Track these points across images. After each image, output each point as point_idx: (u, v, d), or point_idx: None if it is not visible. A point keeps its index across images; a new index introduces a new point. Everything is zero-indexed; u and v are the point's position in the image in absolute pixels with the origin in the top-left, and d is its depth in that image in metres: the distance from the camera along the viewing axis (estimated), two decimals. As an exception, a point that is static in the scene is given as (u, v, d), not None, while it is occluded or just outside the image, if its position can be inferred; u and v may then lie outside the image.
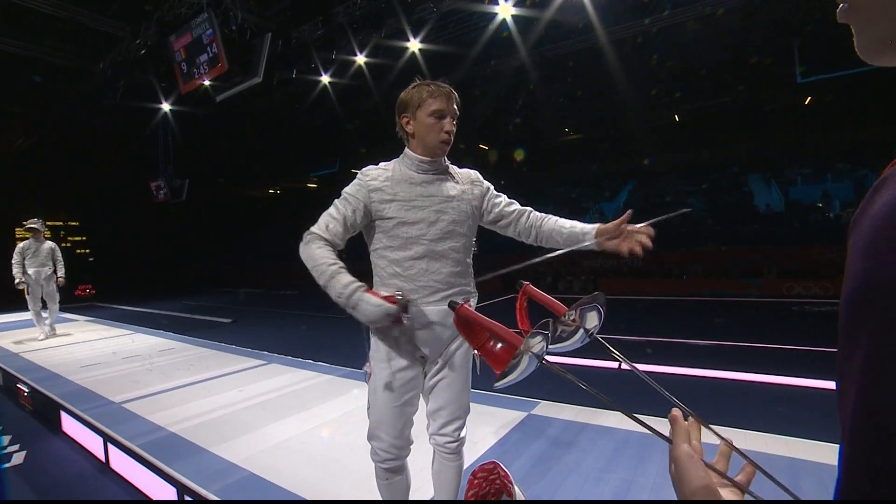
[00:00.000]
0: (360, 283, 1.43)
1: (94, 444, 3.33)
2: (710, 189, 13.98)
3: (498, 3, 8.31)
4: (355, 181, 1.57)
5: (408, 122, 1.56)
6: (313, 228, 1.53)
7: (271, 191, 20.88)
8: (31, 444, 3.59)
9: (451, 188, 1.59)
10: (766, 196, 12.95)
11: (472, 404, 3.19)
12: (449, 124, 1.52)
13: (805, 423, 3.01)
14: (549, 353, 0.98)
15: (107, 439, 3.16)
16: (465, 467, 2.33)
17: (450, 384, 1.61)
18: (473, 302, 1.62)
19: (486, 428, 2.83)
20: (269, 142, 16.15)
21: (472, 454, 2.47)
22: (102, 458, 3.19)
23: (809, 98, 12.11)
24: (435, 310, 1.54)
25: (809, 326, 6.71)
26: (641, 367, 0.97)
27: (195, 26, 5.62)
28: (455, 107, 1.54)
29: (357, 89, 11.94)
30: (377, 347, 1.61)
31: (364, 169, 1.59)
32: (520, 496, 1.69)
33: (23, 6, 7.35)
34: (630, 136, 14.18)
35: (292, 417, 3.21)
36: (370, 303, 1.37)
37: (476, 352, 1.18)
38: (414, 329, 1.55)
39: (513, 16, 8.68)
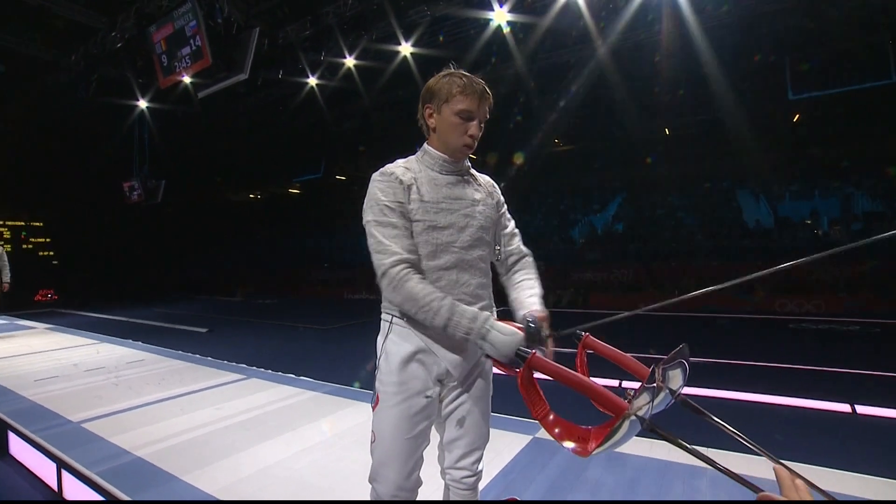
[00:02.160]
0: (483, 316, 1.25)
1: (45, 470, 2.95)
2: (701, 203, 14.04)
3: (493, 10, 8.19)
4: (381, 183, 1.34)
5: (431, 115, 1.39)
6: (389, 258, 1.27)
7: (252, 195, 20.36)
8: (-27, 470, 3.18)
9: (475, 191, 1.45)
10: (755, 211, 13.03)
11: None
12: (475, 128, 1.36)
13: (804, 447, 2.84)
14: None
15: (60, 465, 2.80)
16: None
17: (470, 410, 1.42)
18: (494, 314, 1.42)
19: (489, 453, 2.55)
20: (252, 144, 15.75)
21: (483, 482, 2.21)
22: (55, 486, 2.82)
23: (798, 115, 12.28)
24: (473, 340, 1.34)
25: (811, 345, 6.63)
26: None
27: (178, 17, 5.31)
28: (486, 109, 1.37)
29: (345, 92, 11.68)
30: (388, 366, 1.37)
31: (383, 169, 1.38)
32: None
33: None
34: (621, 148, 14.20)
35: (276, 439, 2.90)
36: (503, 331, 1.21)
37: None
38: (440, 344, 1.34)
39: (508, 22, 8.57)
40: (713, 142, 12.59)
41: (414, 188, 1.35)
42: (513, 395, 3.79)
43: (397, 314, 1.37)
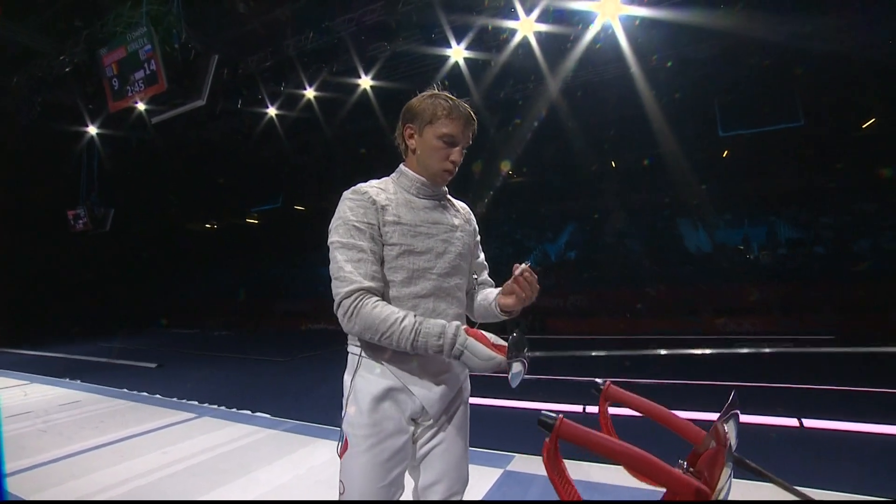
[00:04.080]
0: (457, 325, 1.15)
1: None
2: (646, 232, 14.80)
3: (451, 46, 8.48)
4: (351, 202, 1.25)
5: (411, 136, 1.33)
6: (345, 287, 1.17)
7: (208, 225, 19.62)
8: None
9: (453, 217, 1.40)
10: (695, 238, 13.91)
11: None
12: (458, 154, 1.31)
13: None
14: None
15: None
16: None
17: (448, 450, 1.30)
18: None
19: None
20: (210, 173, 15.29)
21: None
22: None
23: (727, 151, 13.30)
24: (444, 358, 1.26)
25: (749, 363, 6.96)
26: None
27: (131, 40, 5.15)
28: (470, 135, 1.33)
29: (305, 123, 11.65)
30: (357, 406, 1.24)
31: (355, 187, 1.29)
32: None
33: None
34: (572, 180, 14.80)
35: (230, 485, 2.72)
36: (479, 356, 1.11)
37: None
38: (414, 379, 1.25)
39: (465, 59, 8.88)
40: (656, 174, 13.39)
41: (389, 209, 1.26)
42: (480, 425, 3.72)
43: (367, 348, 1.26)
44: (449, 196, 1.45)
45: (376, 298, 1.18)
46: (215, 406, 4.55)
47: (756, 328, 9.45)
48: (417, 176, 1.33)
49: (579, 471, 2.70)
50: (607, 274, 13.14)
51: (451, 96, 1.32)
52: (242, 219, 19.01)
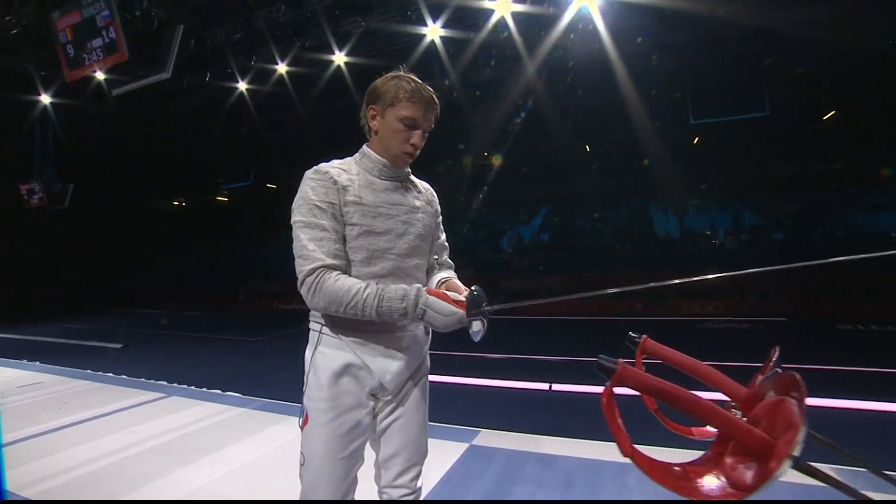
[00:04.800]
0: (418, 287, 1.20)
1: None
2: (617, 216, 15.13)
3: (426, 25, 8.35)
4: (313, 181, 1.27)
5: (374, 117, 1.34)
6: (308, 265, 1.21)
7: (176, 202, 19.00)
8: None
9: (415, 198, 1.42)
10: (664, 224, 14.30)
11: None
12: (418, 137, 1.32)
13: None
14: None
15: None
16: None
17: (407, 424, 1.35)
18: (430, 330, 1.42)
19: (427, 462, 2.58)
20: (178, 149, 14.73)
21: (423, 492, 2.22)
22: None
23: (697, 138, 13.62)
24: (402, 335, 1.32)
25: (713, 342, 7.29)
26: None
27: (86, 4, 4.86)
28: (432, 118, 1.34)
29: (277, 98, 11.31)
30: (317, 381, 1.28)
31: (317, 167, 1.30)
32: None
33: None
34: (546, 163, 14.92)
35: (199, 462, 2.73)
36: (441, 312, 1.16)
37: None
38: (373, 355, 1.29)
39: (441, 37, 8.77)
40: (628, 159, 13.64)
41: (351, 189, 1.28)
42: (446, 402, 3.81)
43: (327, 324, 1.30)
44: (412, 177, 1.46)
45: (338, 273, 1.22)
46: (185, 386, 4.51)
47: (718, 310, 9.84)
48: (379, 157, 1.34)
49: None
50: (579, 257, 13.42)
51: (414, 79, 1.32)
52: (213, 196, 18.46)
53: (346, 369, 1.27)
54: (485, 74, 10.74)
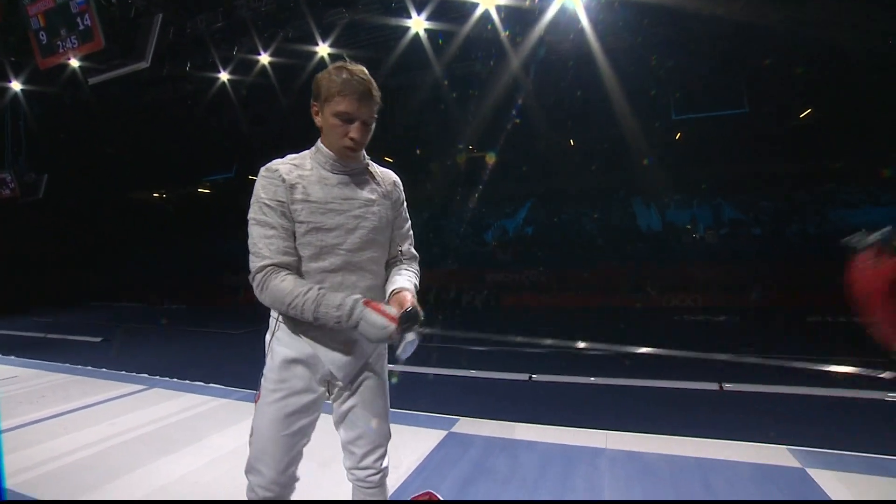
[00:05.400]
0: (355, 298, 1.24)
1: None
2: (600, 210, 15.33)
3: (411, 17, 8.32)
4: (264, 180, 1.31)
5: (317, 114, 1.35)
6: (258, 263, 1.27)
7: (156, 194, 18.65)
8: None
9: (370, 190, 1.40)
10: (647, 218, 14.54)
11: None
12: (356, 130, 1.29)
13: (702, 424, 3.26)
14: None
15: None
16: (388, 494, 2.14)
17: (365, 409, 1.42)
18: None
19: (405, 449, 2.65)
20: (158, 140, 14.45)
21: (393, 479, 2.27)
22: None
23: (679, 134, 13.85)
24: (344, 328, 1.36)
25: (690, 333, 7.49)
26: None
27: (58, -9, 4.77)
28: (370, 110, 1.30)
29: (260, 90, 11.18)
30: (272, 363, 1.38)
31: (269, 164, 1.34)
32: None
33: None
34: (531, 157, 15.04)
35: (181, 452, 2.75)
36: (374, 325, 1.21)
37: None
38: (323, 347, 1.35)
39: (426, 29, 8.75)
40: (611, 154, 13.83)
41: (299, 187, 1.30)
42: (425, 391, 3.88)
43: (283, 315, 1.36)
44: (371, 168, 1.45)
45: (285, 273, 1.27)
46: (167, 378, 4.50)
47: (697, 304, 10.08)
48: (329, 152, 1.35)
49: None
50: (562, 251, 13.58)
51: (351, 69, 1.29)
52: (194, 188, 18.16)
53: (297, 357, 1.35)
54: (470, 68, 10.75)
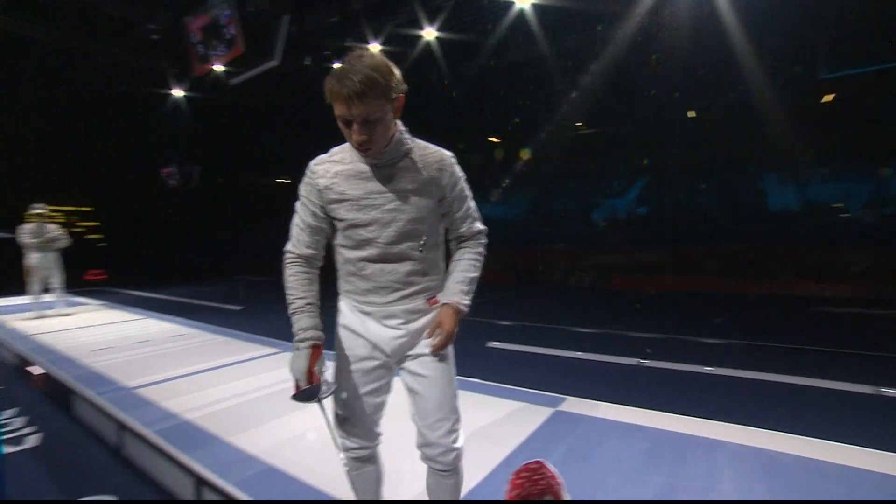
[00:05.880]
0: (307, 337, 1.35)
1: (107, 429, 3.26)
2: (724, 187, 13.76)
3: (516, -8, 8.15)
4: (305, 178, 1.40)
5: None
6: (287, 246, 1.44)
7: (280, 180, 20.75)
8: (47, 427, 3.53)
9: (410, 179, 1.35)
10: (780, 195, 12.75)
11: (495, 399, 3.10)
12: (357, 132, 1.23)
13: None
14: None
15: (120, 425, 3.09)
16: (494, 465, 2.23)
17: (429, 386, 1.43)
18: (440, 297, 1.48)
19: (511, 424, 2.72)
20: (280, 131, 16.02)
21: (500, 453, 2.37)
22: (116, 444, 3.12)
23: (829, 95, 11.83)
24: (394, 310, 1.42)
25: (836, 328, 6.55)
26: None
27: (212, 7, 5.51)
28: (367, 108, 1.20)
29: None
30: (338, 328, 1.52)
31: (312, 162, 1.40)
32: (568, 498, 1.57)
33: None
34: (644, 131, 13.96)
35: (307, 409, 3.11)
36: (296, 364, 1.34)
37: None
38: (371, 319, 1.44)
39: (532, 4, 8.50)
40: (738, 124, 12.25)
41: (334, 188, 1.34)
42: (534, 369, 3.92)
43: (340, 287, 1.48)
44: (412, 154, 1.37)
45: (299, 265, 1.41)
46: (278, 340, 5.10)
47: (847, 294, 8.63)
48: None
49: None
50: (678, 231, 12.53)
51: (341, 70, 1.22)
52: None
53: (353, 328, 1.47)
54: (575, 40, 10.24)
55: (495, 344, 5.76)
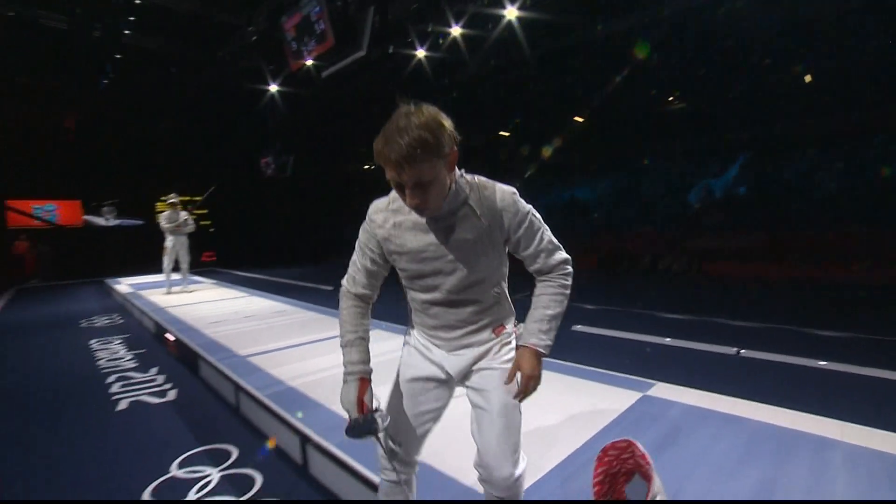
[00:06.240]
0: (355, 371, 1.37)
1: (226, 389, 3.72)
2: (844, 163, 12.06)
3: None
4: (365, 224, 1.41)
5: None
6: (343, 281, 1.48)
7: (366, 167, 21.65)
8: (180, 385, 4.12)
9: (470, 228, 1.29)
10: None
11: (580, 380, 3.08)
12: (410, 196, 1.19)
13: None
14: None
15: (237, 387, 3.51)
16: (578, 445, 2.24)
17: (488, 419, 1.36)
18: (509, 327, 1.45)
19: (596, 407, 2.69)
20: (366, 119, 16.64)
21: (584, 434, 2.37)
22: (234, 402, 3.56)
23: None
24: (461, 343, 1.41)
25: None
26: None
27: (304, 5, 5.89)
28: (417, 171, 1.14)
29: (452, 62, 11.85)
30: (406, 343, 1.55)
31: (372, 208, 1.41)
32: (659, 484, 1.55)
33: (161, 6, 8.32)
34: (746, 103, 12.63)
35: (389, 384, 3.31)
36: (345, 395, 1.36)
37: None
38: (434, 339, 1.44)
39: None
40: (862, 89, 10.61)
41: (394, 240, 1.34)
42: (618, 353, 3.83)
43: (409, 307, 1.50)
44: (471, 202, 1.29)
45: (353, 302, 1.44)
46: (386, 322, 5.39)
47: None
48: None
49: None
50: (785, 213, 11.28)
51: (388, 133, 1.15)
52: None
53: (417, 346, 1.49)
54: (671, 7, 9.48)
55: (580, 327, 5.67)
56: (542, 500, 1.41)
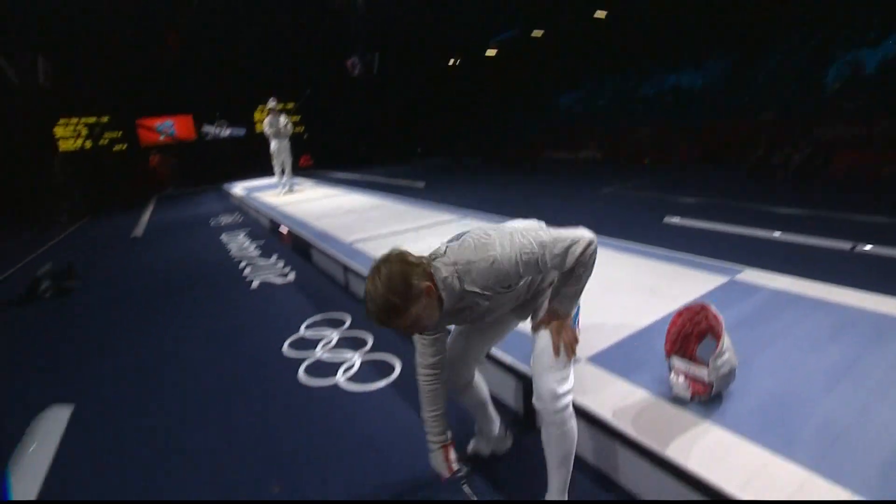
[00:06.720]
0: (437, 441, 1.59)
1: (336, 272, 4.29)
2: None
3: None
4: None
5: None
6: (416, 358, 1.59)
7: (451, 61, 20.72)
8: (297, 269, 4.81)
9: (483, 298, 1.41)
10: None
11: (664, 263, 3.11)
12: (405, 334, 1.39)
13: None
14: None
15: (345, 268, 4.03)
16: (657, 317, 2.35)
17: (536, 354, 1.51)
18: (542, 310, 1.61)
19: (682, 287, 2.72)
20: (446, 11, 15.64)
21: (664, 307, 2.45)
22: (343, 281, 4.12)
23: None
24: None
25: None
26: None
27: None
28: (394, 328, 1.31)
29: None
30: None
31: None
32: (729, 346, 1.65)
33: None
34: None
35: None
36: (435, 461, 1.61)
37: None
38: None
39: None
40: None
41: (440, 327, 1.54)
42: (713, 245, 3.73)
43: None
44: (467, 285, 1.36)
45: (429, 378, 1.57)
46: (474, 210, 5.66)
47: None
48: None
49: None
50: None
51: (367, 290, 1.27)
52: (481, 53, 19.23)
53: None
54: None
55: (674, 220, 5.48)
56: (542, 500, 1.61)
